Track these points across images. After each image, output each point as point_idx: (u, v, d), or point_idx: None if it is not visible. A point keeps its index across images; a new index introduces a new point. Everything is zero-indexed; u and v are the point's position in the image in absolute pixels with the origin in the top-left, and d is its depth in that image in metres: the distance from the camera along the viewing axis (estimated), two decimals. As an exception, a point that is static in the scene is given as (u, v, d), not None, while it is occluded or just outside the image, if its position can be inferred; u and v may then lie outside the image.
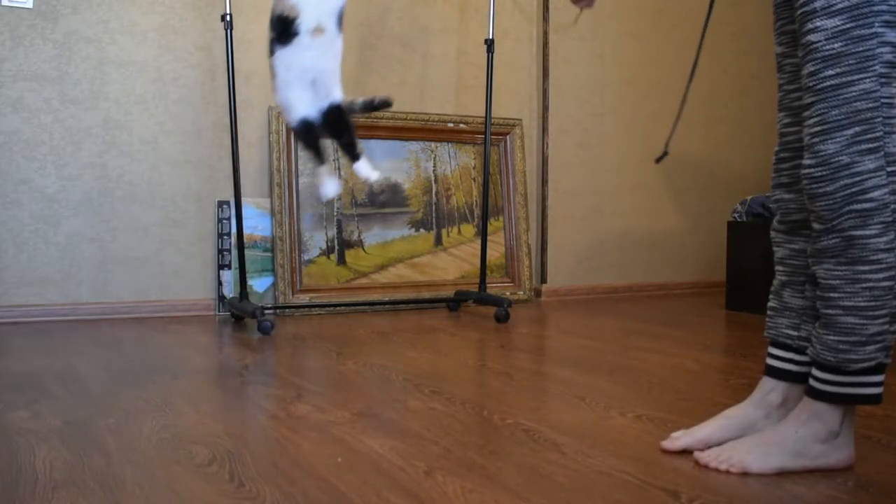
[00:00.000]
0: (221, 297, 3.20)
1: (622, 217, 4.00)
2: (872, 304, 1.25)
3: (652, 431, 1.57)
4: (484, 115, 3.41)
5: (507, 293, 3.58)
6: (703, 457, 1.37)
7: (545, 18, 3.79)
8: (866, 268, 1.25)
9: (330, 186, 1.76)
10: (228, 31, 2.84)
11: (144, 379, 2.04)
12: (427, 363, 2.24)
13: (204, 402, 1.83)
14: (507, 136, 3.73)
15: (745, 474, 1.31)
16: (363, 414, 1.71)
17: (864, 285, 1.25)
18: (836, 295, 1.28)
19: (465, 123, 3.62)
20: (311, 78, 1.69)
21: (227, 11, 2.85)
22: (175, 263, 3.17)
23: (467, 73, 3.66)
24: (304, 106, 1.68)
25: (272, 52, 1.70)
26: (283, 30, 1.67)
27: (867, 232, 1.24)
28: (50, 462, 1.39)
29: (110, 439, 1.52)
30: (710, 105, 4.21)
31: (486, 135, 3.34)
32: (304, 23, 1.66)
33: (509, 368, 2.21)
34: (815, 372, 1.33)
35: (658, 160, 1.74)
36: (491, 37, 3.32)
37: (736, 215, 3.48)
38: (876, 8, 1.20)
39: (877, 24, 1.20)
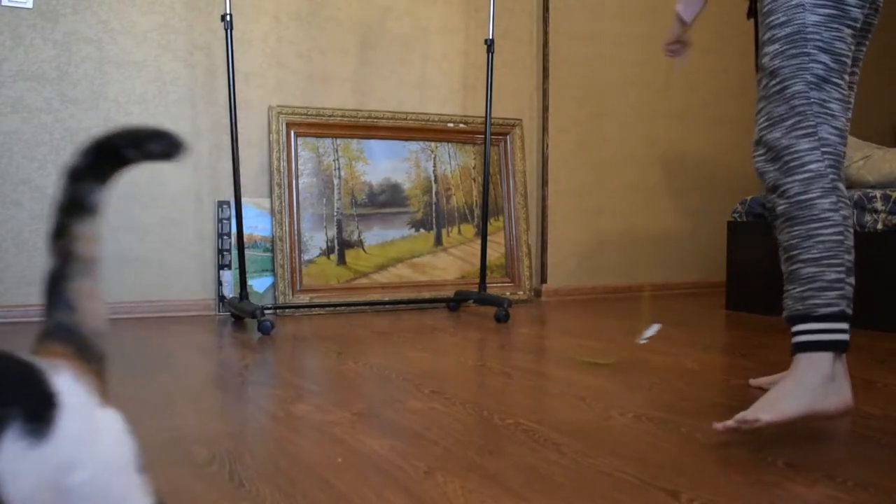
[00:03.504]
0: (221, 297, 3.20)
1: (622, 217, 4.00)
2: (826, 254, 1.49)
3: (652, 431, 1.57)
4: (484, 115, 3.41)
5: (507, 293, 3.58)
6: (731, 422, 1.47)
7: (545, 19, 3.79)
8: (817, 225, 1.50)
9: None
10: (228, 31, 2.84)
11: (144, 379, 2.04)
12: (427, 363, 2.24)
13: (204, 402, 1.83)
14: (507, 136, 3.73)
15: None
16: (363, 414, 1.71)
17: (817, 239, 1.49)
18: (795, 252, 1.52)
19: (465, 123, 3.62)
20: None
21: (227, 11, 2.85)
22: (175, 263, 3.17)
23: (467, 74, 3.66)
24: None
25: None
26: None
27: (812, 195, 1.50)
28: (50, 462, 1.38)
29: (110, 439, 1.51)
30: (710, 105, 4.21)
31: (486, 135, 3.34)
32: None
33: (509, 368, 2.21)
34: (792, 330, 1.52)
35: None
36: (491, 37, 3.32)
37: (736, 215, 3.48)
38: (808, 37, 1.52)
39: (808, 47, 1.51)
